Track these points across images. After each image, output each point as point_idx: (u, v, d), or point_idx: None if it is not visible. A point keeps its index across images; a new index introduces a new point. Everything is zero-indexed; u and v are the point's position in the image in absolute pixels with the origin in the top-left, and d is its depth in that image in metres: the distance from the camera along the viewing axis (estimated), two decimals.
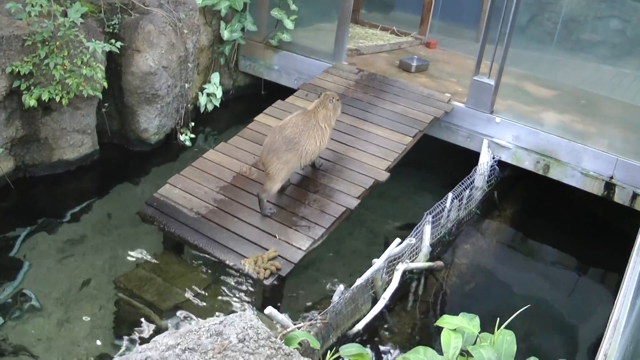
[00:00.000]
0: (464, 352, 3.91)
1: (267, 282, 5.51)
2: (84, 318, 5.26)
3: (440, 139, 8.04)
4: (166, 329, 5.05)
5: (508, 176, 7.98)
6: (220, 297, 5.59)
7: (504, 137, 7.64)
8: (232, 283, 5.75)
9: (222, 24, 8.90)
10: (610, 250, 7.23)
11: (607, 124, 8.07)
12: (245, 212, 6.18)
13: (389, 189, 7.40)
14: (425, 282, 6.13)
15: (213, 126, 9.02)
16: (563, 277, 7.00)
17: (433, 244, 6.35)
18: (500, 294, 6.41)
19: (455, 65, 9.74)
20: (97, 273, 5.80)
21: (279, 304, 5.63)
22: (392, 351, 5.31)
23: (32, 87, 6.46)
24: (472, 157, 7.65)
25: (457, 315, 4.07)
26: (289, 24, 8.90)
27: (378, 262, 5.35)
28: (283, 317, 4.53)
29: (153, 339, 3.28)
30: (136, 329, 5.21)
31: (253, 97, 9.72)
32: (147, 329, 5.17)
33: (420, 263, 6.03)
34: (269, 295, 5.65)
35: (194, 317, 5.29)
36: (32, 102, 6.38)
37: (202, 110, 8.79)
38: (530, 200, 8.12)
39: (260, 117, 7.55)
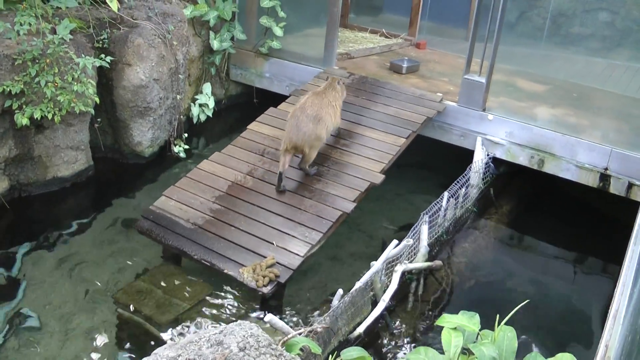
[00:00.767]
0: (465, 351, 3.91)
1: (266, 290, 5.51)
2: (84, 334, 5.25)
3: (434, 139, 8.04)
4: (167, 341, 5.04)
5: (503, 173, 7.99)
6: (220, 307, 5.58)
7: (497, 134, 7.65)
8: (232, 292, 5.74)
9: (212, 34, 8.92)
10: (608, 241, 7.24)
11: (600, 115, 8.09)
12: (242, 221, 6.18)
13: (385, 191, 7.41)
14: (424, 282, 6.13)
15: (206, 136, 9.02)
16: (562, 271, 7.01)
17: (431, 243, 6.36)
18: (500, 291, 6.41)
19: (446, 64, 9.76)
20: (96, 288, 5.80)
21: (279, 311, 5.62)
22: (394, 353, 5.30)
23: (24, 106, 6.45)
24: (467, 156, 7.66)
25: (457, 313, 4.09)
26: (278, 31, 8.91)
27: (376, 265, 5.35)
28: (283, 324, 4.53)
29: (154, 352, 3.28)
30: (137, 342, 5.20)
31: (245, 105, 9.73)
32: (148, 342, 5.16)
33: (419, 263, 6.03)
34: (268, 302, 5.65)
35: (194, 328, 5.28)
36: (25, 121, 6.37)
37: (195, 121, 8.80)
38: (527, 196, 8.14)
39: (253, 125, 7.55)
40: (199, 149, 8.68)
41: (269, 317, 4.46)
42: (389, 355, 5.29)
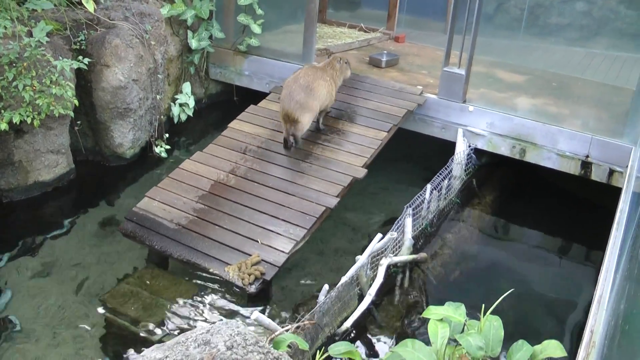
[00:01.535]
0: (452, 341, 3.94)
1: (252, 288, 5.50)
2: (71, 338, 5.22)
3: (416, 132, 8.06)
4: (154, 342, 5.02)
5: (485, 163, 8.03)
6: (206, 306, 5.57)
7: (478, 125, 7.68)
8: (218, 291, 5.73)
9: (190, 33, 8.88)
10: (592, 228, 7.28)
11: (579, 104, 8.14)
12: (226, 220, 6.17)
13: (368, 185, 7.42)
14: (410, 275, 6.15)
15: (188, 136, 8.99)
16: (547, 259, 7.04)
17: (415, 236, 6.38)
18: (485, 281, 6.44)
19: (425, 57, 9.79)
20: (82, 292, 5.77)
21: (265, 308, 5.62)
22: (381, 346, 5.32)
23: (2, 111, 6.40)
24: (449, 147, 7.69)
25: (443, 305, 4.11)
26: (256, 28, 8.89)
27: (361, 259, 5.35)
28: (270, 321, 4.52)
29: (142, 354, 3.28)
30: (125, 345, 5.17)
31: (226, 104, 9.70)
32: (135, 344, 5.14)
33: (404, 256, 6.05)
34: (255, 300, 5.64)
35: (181, 328, 5.27)
36: (4, 126, 6.32)
37: (175, 120, 8.76)
38: (510, 186, 8.17)
39: (234, 124, 7.54)
40: (180, 149, 8.64)
41: (256, 314, 4.45)
42: (377, 348, 5.30)
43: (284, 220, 6.11)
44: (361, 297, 5.49)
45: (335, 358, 4.49)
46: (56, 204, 7.18)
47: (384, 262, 5.69)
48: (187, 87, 8.93)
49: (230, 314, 5.50)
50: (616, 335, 3.30)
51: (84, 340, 5.22)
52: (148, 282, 5.79)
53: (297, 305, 5.65)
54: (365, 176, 6.68)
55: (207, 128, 9.27)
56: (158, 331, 5.24)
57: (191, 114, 8.88)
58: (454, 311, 4.02)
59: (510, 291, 4.40)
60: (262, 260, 5.70)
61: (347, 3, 12.55)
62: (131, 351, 5.08)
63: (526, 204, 7.90)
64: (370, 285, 5.53)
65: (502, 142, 7.58)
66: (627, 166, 6.77)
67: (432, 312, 4.02)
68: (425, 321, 5.01)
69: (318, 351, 4.29)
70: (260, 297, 5.66)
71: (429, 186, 6.66)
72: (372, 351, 5.27)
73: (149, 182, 7.36)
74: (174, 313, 5.44)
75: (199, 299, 5.64)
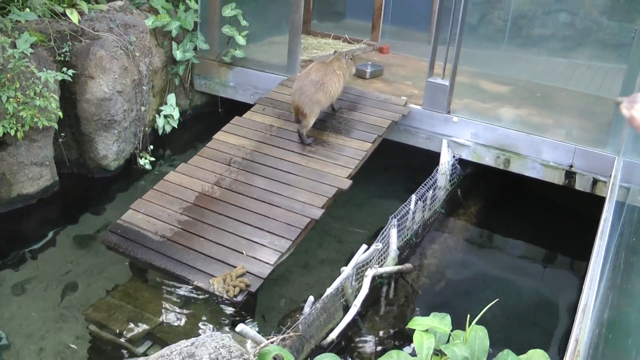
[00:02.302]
0: (437, 352, 3.93)
1: (237, 300, 5.48)
2: (55, 353, 5.18)
3: (400, 142, 8.08)
4: (138, 356, 4.99)
5: (470, 173, 8.06)
6: (191, 319, 5.54)
7: (462, 136, 7.71)
8: (203, 303, 5.71)
9: (174, 45, 8.87)
10: (577, 237, 7.32)
11: (563, 114, 8.19)
12: (210, 232, 6.16)
13: (353, 196, 7.42)
14: (395, 286, 6.15)
15: (172, 147, 8.97)
16: (532, 268, 7.07)
17: (400, 247, 6.38)
18: (471, 291, 6.45)
19: (410, 68, 9.82)
20: (66, 306, 5.73)
21: (251, 320, 5.60)
22: (367, 358, 5.31)
23: None
24: (434, 158, 7.71)
25: (429, 315, 4.11)
26: (240, 40, 8.89)
27: (346, 270, 5.35)
28: (255, 334, 4.50)
29: None
30: (108, 359, 5.14)
31: (210, 115, 9.69)
32: (119, 358, 5.11)
33: (389, 267, 6.05)
34: (240, 312, 5.62)
35: (166, 341, 5.23)
36: None
37: (160, 132, 8.74)
38: (494, 196, 8.21)
39: (219, 135, 7.52)
40: (165, 161, 8.62)
41: (241, 326, 4.43)
42: (362, 359, 5.29)
43: (269, 232, 6.10)
44: (346, 309, 5.48)
45: None
46: (40, 217, 7.13)
47: (369, 273, 5.69)
48: (171, 98, 8.91)
49: (215, 327, 5.48)
50: (600, 343, 3.32)
51: (68, 353, 5.18)
52: (132, 295, 5.76)
53: (283, 317, 5.64)
54: (351, 187, 6.68)
55: (191, 139, 9.26)
56: (142, 344, 5.21)
57: (176, 126, 8.86)
58: (440, 322, 4.02)
59: (495, 301, 4.40)
60: (247, 272, 5.69)
61: (332, 14, 12.59)
62: None
63: (511, 213, 7.93)
64: (356, 297, 5.52)
65: (487, 153, 7.60)
66: (610, 175, 6.81)
67: (418, 323, 4.02)
68: (411, 332, 5.01)
69: None
70: (246, 309, 5.64)
71: (413, 197, 6.67)
72: None
73: (133, 194, 7.35)
74: (159, 326, 5.41)
75: (184, 311, 5.61)
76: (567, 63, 10.52)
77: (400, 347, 5.27)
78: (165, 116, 8.78)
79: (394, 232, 6.19)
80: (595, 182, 7.11)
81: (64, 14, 7.39)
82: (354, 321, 5.43)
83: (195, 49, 9.08)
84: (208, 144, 7.39)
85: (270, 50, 9.46)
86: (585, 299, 4.32)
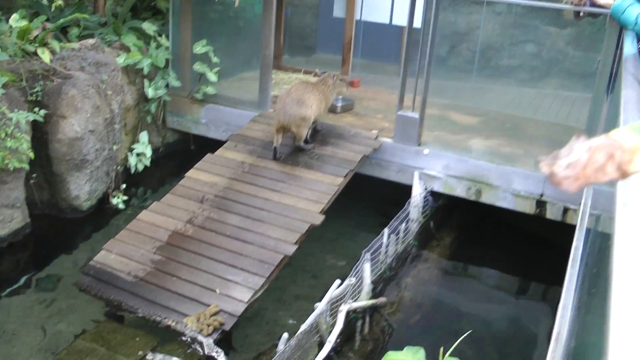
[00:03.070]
0: None
1: (211, 339, 5.45)
2: None
3: (372, 176, 8.12)
4: None
5: (442, 205, 8.11)
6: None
7: (434, 168, 7.78)
8: (177, 343, 5.66)
9: (146, 82, 8.89)
10: (549, 265, 7.37)
11: (532, 144, 8.29)
12: (184, 270, 6.13)
13: (326, 231, 7.44)
14: (370, 320, 6.15)
15: (145, 186, 8.95)
16: (506, 298, 7.12)
17: (374, 280, 6.39)
18: (445, 323, 6.47)
19: (380, 101, 9.90)
20: (37, 351, 5.66)
21: (225, 359, 5.57)
22: None
23: None
24: (406, 190, 7.76)
25: (403, 349, 4.11)
26: (212, 76, 8.94)
27: (320, 306, 5.35)
28: None
29: None
30: None
31: (183, 152, 9.69)
32: None
33: (363, 302, 6.05)
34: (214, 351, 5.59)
35: None
36: None
37: (132, 170, 8.72)
38: (467, 226, 8.26)
39: (191, 173, 7.52)
40: (138, 199, 8.60)
41: None
42: None
43: (242, 269, 6.09)
44: (321, 345, 5.47)
45: None
46: (11, 260, 7.05)
47: (344, 309, 5.68)
48: (144, 136, 8.91)
49: None
50: None
51: None
52: (106, 337, 5.70)
53: (257, 355, 5.61)
54: (324, 222, 6.70)
55: (164, 177, 9.25)
56: None
57: (148, 164, 8.84)
58: (413, 356, 4.03)
59: (469, 332, 4.44)
60: (221, 310, 5.67)
61: (302, 49, 12.71)
62: None
63: (484, 244, 7.99)
64: (330, 332, 5.51)
65: (458, 184, 7.67)
66: (580, 203, 6.87)
67: (392, 358, 4.02)
68: None
69: None
70: (220, 347, 5.61)
71: (386, 230, 6.70)
72: None
73: (106, 235, 7.30)
74: None
75: (157, 352, 5.56)
76: (535, 93, 10.70)
77: None
78: (138, 154, 8.77)
79: (367, 267, 6.21)
80: (565, 210, 7.19)
81: (36, 53, 7.40)
82: (328, 358, 5.41)
83: (167, 86, 9.10)
84: (180, 182, 7.38)
85: (242, 87, 9.51)
86: (557, 327, 4.35)
